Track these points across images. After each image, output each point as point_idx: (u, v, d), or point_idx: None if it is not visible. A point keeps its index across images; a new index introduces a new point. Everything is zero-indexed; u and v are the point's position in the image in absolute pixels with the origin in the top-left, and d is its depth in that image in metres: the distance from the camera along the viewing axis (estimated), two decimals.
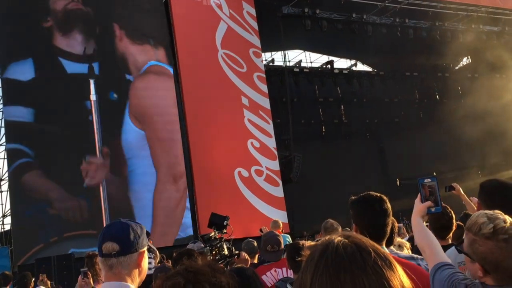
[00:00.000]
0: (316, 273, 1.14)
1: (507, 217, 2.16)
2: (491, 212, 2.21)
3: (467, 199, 4.21)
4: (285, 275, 4.54)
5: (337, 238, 1.19)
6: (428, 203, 2.57)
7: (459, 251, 2.32)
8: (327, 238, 1.22)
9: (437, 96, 25.74)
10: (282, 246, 5.02)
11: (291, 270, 4.33)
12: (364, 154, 24.50)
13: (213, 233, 4.81)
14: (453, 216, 3.93)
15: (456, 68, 25.85)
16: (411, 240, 5.35)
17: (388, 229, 2.83)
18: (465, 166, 24.03)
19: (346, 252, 1.14)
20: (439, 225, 3.86)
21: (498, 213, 2.18)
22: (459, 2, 18.82)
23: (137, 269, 2.27)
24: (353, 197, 2.98)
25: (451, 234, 4.31)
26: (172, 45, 14.32)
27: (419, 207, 2.60)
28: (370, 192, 2.94)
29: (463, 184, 4.37)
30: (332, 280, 1.11)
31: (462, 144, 23.92)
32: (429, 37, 19.25)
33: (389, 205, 2.86)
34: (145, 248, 2.32)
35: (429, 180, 2.62)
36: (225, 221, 4.98)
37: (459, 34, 19.73)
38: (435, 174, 23.38)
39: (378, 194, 2.90)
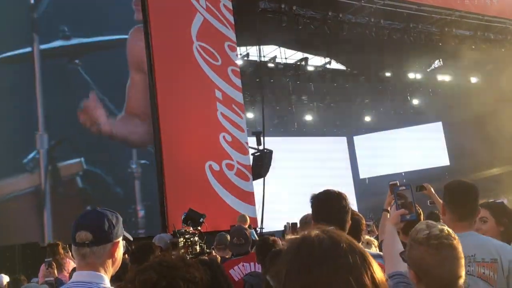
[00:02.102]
0: (291, 266, 1.15)
1: (446, 228, 2.21)
2: (433, 222, 2.27)
3: (438, 199, 4.26)
4: (253, 270, 4.56)
5: (314, 232, 1.20)
6: (402, 211, 2.63)
7: (403, 259, 2.37)
8: (306, 232, 1.22)
9: (408, 97, 26.09)
10: (250, 239, 5.05)
11: (259, 265, 4.34)
12: (335, 151, 24.70)
13: (186, 230, 4.83)
14: (421, 213, 3.99)
15: (428, 70, 26.22)
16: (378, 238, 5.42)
17: (347, 225, 2.88)
18: (435, 166, 24.45)
19: (321, 247, 1.15)
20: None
21: (438, 224, 2.24)
22: (433, 5, 19.07)
23: (111, 259, 2.25)
24: (313, 194, 3.02)
25: None
26: (147, 34, 14.15)
27: (392, 215, 2.65)
28: (329, 189, 2.99)
29: (432, 185, 4.42)
30: (304, 275, 1.12)
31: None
32: (403, 38, 19.47)
33: (348, 201, 2.92)
34: (120, 238, 2.30)
35: (403, 188, 2.69)
36: (201, 219, 5.02)
37: (432, 36, 20.01)
38: (403, 174, 23.79)
39: (337, 191, 2.96)
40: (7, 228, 11.57)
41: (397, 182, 4.22)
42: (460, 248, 2.18)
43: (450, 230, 2.22)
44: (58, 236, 9.56)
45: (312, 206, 2.98)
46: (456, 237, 2.21)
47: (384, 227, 4.55)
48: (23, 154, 12.23)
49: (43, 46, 12.78)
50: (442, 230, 2.18)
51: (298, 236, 1.22)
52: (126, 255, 4.82)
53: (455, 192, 3.31)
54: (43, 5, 13.15)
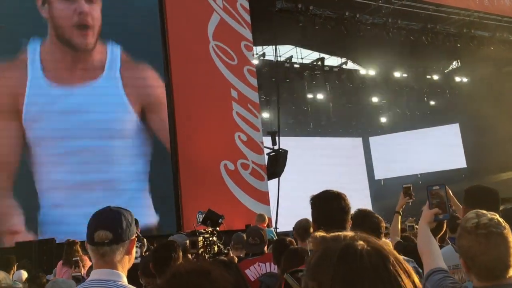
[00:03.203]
0: (336, 278, 1.09)
1: (496, 217, 2.21)
2: (484, 211, 2.26)
3: (456, 201, 4.24)
4: (268, 270, 4.56)
5: (360, 243, 1.14)
6: (435, 210, 2.64)
7: (455, 249, 2.40)
8: (341, 236, 1.17)
9: (425, 98, 25.92)
10: (265, 239, 5.06)
11: (276, 265, 4.34)
12: (350, 152, 24.61)
13: (205, 230, 4.88)
14: None
15: (445, 71, 26.02)
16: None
17: (347, 225, 2.85)
18: (451, 168, 24.28)
19: (372, 263, 1.09)
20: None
21: (489, 213, 2.23)
22: (452, 6, 18.92)
23: (128, 256, 2.30)
24: (312, 195, 3.02)
25: (440, 234, 4.36)
26: (164, 32, 14.22)
27: (425, 213, 2.66)
28: (329, 189, 2.98)
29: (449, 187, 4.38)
30: None
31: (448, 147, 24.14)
32: (420, 39, 19.34)
33: (348, 202, 2.90)
34: (135, 236, 2.33)
35: (437, 187, 2.71)
36: (220, 220, 5.08)
37: (450, 37, 19.85)
38: (419, 175, 23.65)
39: (336, 191, 2.95)
40: None
41: (411, 185, 4.21)
42: (510, 237, 2.17)
43: (501, 219, 2.21)
44: None
45: (311, 207, 2.98)
46: (507, 226, 2.20)
47: (395, 228, 4.53)
48: None
49: None
50: (491, 219, 2.18)
51: (332, 239, 1.16)
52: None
53: (476, 197, 3.31)
54: None
